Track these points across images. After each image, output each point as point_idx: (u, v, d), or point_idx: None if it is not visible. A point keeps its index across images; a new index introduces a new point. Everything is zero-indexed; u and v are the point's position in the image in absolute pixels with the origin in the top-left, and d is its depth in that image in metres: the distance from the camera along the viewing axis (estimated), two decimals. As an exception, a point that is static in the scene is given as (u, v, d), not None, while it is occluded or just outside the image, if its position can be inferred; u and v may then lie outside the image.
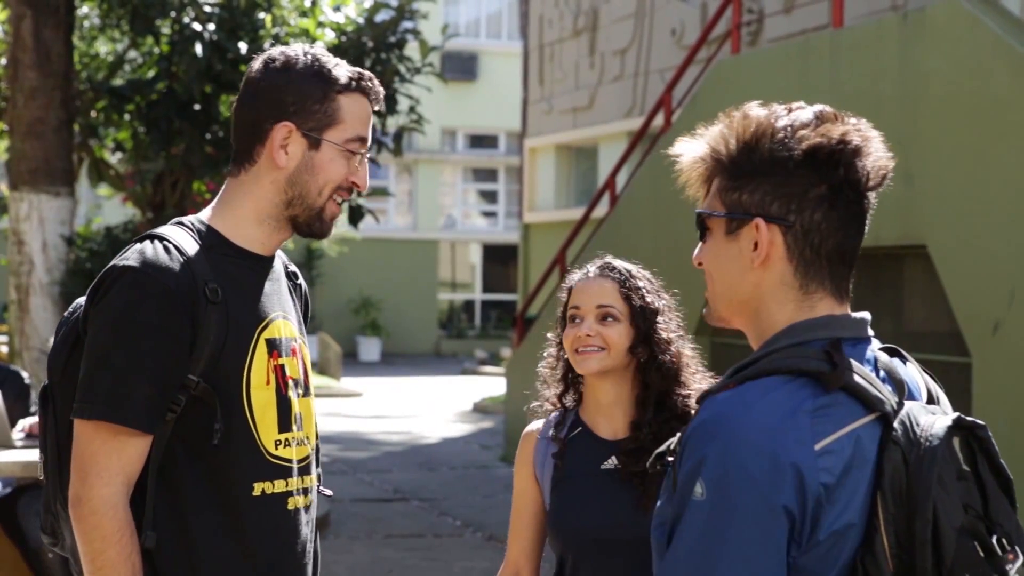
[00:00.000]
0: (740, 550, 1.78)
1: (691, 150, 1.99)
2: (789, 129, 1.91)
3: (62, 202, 10.99)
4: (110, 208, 22.76)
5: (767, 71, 9.79)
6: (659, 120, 12.06)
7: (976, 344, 7.65)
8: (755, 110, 1.95)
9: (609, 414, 3.05)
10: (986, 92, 7.75)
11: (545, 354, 3.17)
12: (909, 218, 8.06)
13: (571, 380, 3.12)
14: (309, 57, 2.63)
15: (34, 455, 6.24)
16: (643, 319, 3.00)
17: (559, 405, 3.14)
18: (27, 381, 7.01)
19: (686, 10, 14.66)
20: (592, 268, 3.09)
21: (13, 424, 6.59)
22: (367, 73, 2.67)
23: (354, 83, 2.64)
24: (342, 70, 2.64)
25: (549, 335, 3.15)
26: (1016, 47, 7.52)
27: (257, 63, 2.66)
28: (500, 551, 9.29)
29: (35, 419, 6.61)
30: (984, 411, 7.20)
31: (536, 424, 3.17)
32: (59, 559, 6.40)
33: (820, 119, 1.93)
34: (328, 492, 2.83)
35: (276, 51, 2.66)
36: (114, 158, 13.36)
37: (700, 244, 2.01)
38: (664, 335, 3.01)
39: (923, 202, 8.02)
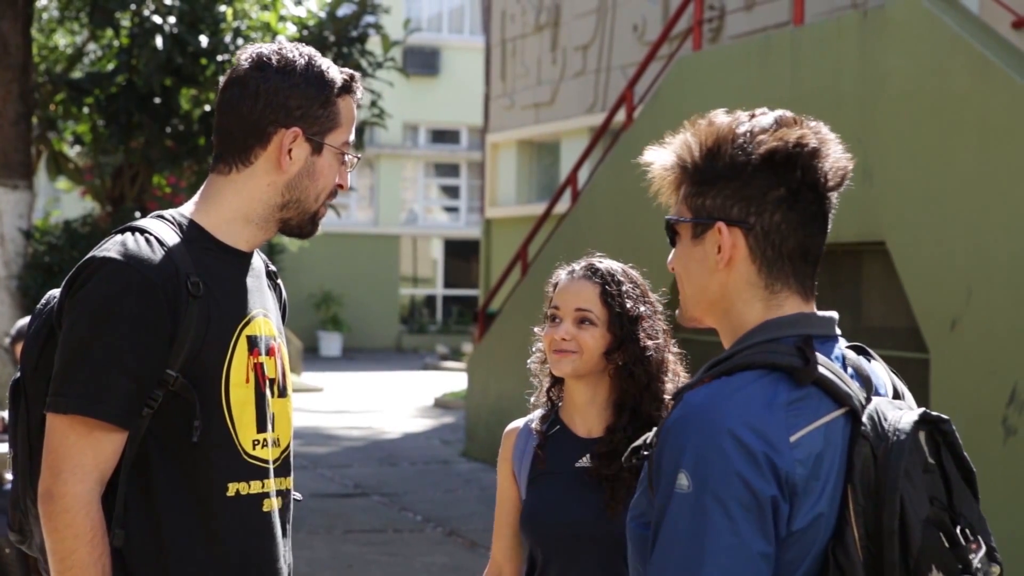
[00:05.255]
0: (727, 540, 1.83)
1: (659, 159, 2.05)
2: (748, 135, 1.97)
3: (20, 195, 10.91)
4: (69, 202, 22.61)
5: (728, 68, 9.82)
6: (621, 116, 12.08)
7: (934, 340, 7.71)
8: (719, 117, 2.01)
9: (584, 413, 3.06)
10: (945, 90, 7.80)
11: (533, 349, 3.17)
12: (868, 215, 8.11)
13: (556, 376, 3.13)
14: (306, 58, 2.60)
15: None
16: (621, 326, 3.00)
17: (546, 399, 3.16)
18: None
19: (648, 6, 14.69)
20: (577, 268, 3.08)
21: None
22: (356, 74, 2.66)
23: (347, 85, 2.62)
24: (335, 71, 2.62)
25: (536, 329, 3.14)
26: (975, 45, 7.57)
27: (248, 61, 2.60)
28: (461, 546, 9.30)
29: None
30: (942, 406, 7.25)
31: (517, 422, 3.18)
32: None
33: (779, 124, 1.98)
34: (298, 496, 2.79)
35: (267, 49, 2.61)
36: (73, 151, 13.28)
37: (672, 250, 2.07)
38: (642, 343, 3.01)
39: (882, 199, 8.07)
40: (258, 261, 2.70)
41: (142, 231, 2.52)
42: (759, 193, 1.95)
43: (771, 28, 11.54)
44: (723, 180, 1.97)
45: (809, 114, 2.06)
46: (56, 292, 2.60)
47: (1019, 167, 7.29)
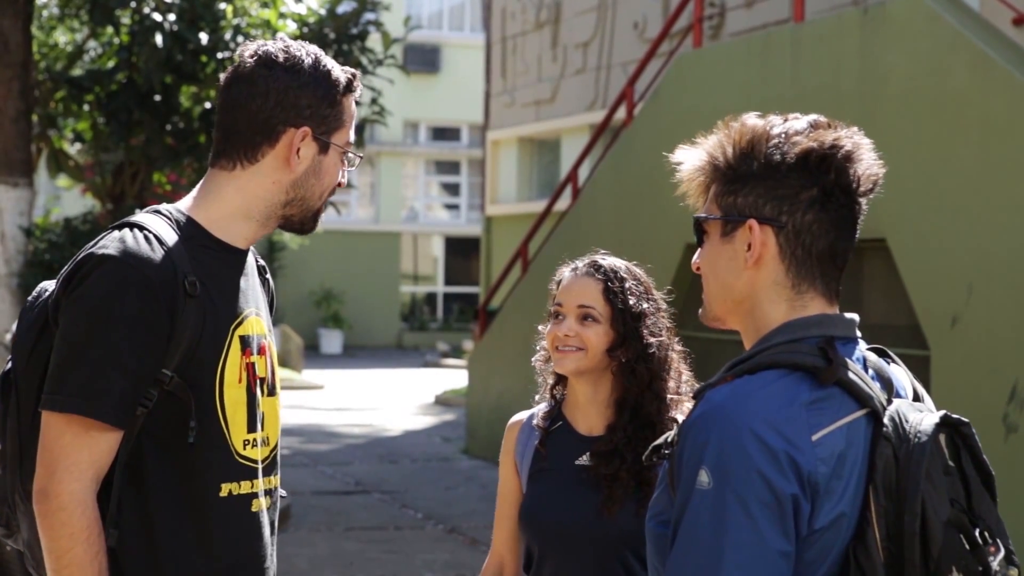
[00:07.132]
0: (746, 537, 1.83)
1: (690, 160, 2.05)
2: (783, 135, 1.98)
3: (20, 193, 10.91)
4: (69, 199, 22.60)
5: (728, 65, 9.82)
6: (621, 113, 12.07)
7: (935, 337, 7.71)
8: (752, 119, 2.02)
9: (585, 411, 3.07)
10: (945, 87, 7.80)
11: (538, 347, 3.17)
12: (869, 213, 8.06)
13: (560, 373, 3.13)
14: (312, 57, 2.58)
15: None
16: (623, 323, 3.01)
17: (550, 396, 3.16)
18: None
19: (648, 4, 14.69)
20: (581, 265, 3.09)
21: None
22: (357, 72, 2.65)
23: (349, 84, 2.61)
24: (339, 70, 2.61)
25: (540, 327, 3.14)
26: (975, 42, 7.57)
27: (253, 58, 2.57)
28: (461, 544, 9.30)
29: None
30: (942, 404, 7.21)
31: (520, 415, 3.19)
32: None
33: (814, 126, 2.00)
34: (283, 493, 2.77)
35: (272, 47, 2.58)
36: (73, 149, 13.28)
37: (699, 249, 2.07)
38: (646, 340, 3.01)
39: (883, 197, 8.02)
40: (249, 257, 2.67)
41: (140, 227, 2.49)
42: (792, 192, 1.96)
43: (771, 25, 11.53)
44: (756, 179, 1.97)
45: (809, 111, 2.06)
46: (48, 285, 2.57)
47: (1020, 164, 7.29)
